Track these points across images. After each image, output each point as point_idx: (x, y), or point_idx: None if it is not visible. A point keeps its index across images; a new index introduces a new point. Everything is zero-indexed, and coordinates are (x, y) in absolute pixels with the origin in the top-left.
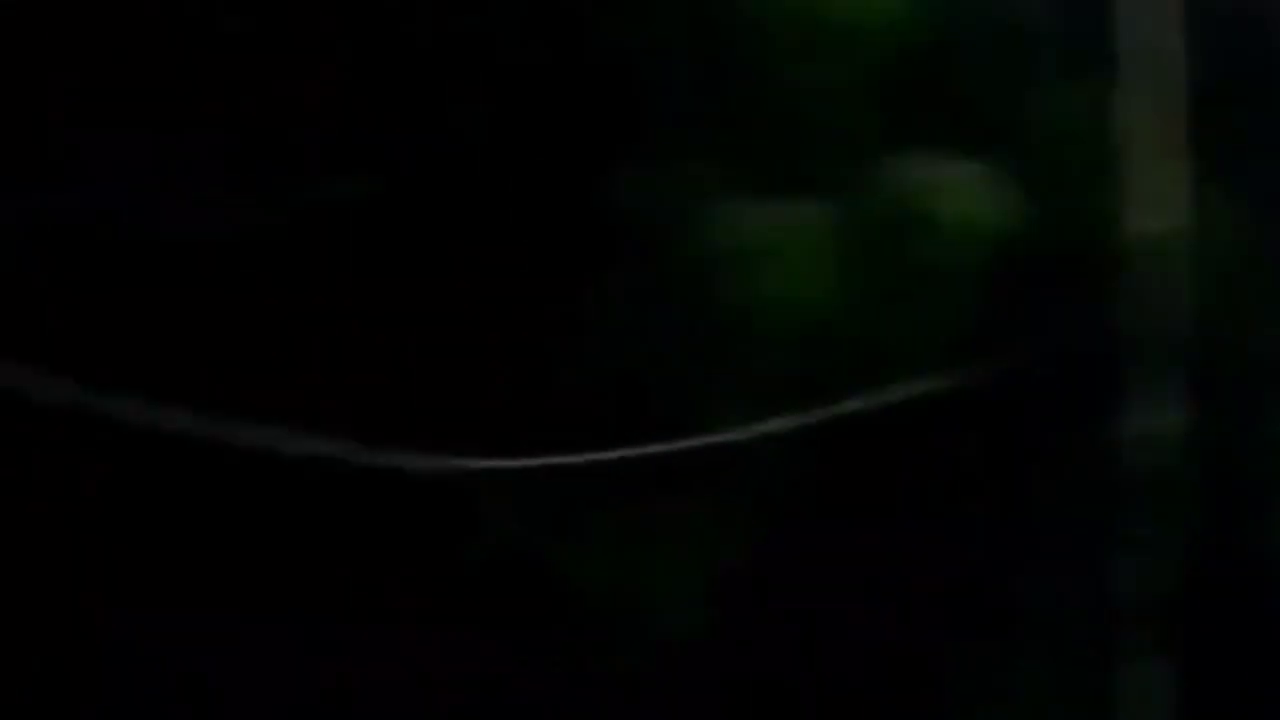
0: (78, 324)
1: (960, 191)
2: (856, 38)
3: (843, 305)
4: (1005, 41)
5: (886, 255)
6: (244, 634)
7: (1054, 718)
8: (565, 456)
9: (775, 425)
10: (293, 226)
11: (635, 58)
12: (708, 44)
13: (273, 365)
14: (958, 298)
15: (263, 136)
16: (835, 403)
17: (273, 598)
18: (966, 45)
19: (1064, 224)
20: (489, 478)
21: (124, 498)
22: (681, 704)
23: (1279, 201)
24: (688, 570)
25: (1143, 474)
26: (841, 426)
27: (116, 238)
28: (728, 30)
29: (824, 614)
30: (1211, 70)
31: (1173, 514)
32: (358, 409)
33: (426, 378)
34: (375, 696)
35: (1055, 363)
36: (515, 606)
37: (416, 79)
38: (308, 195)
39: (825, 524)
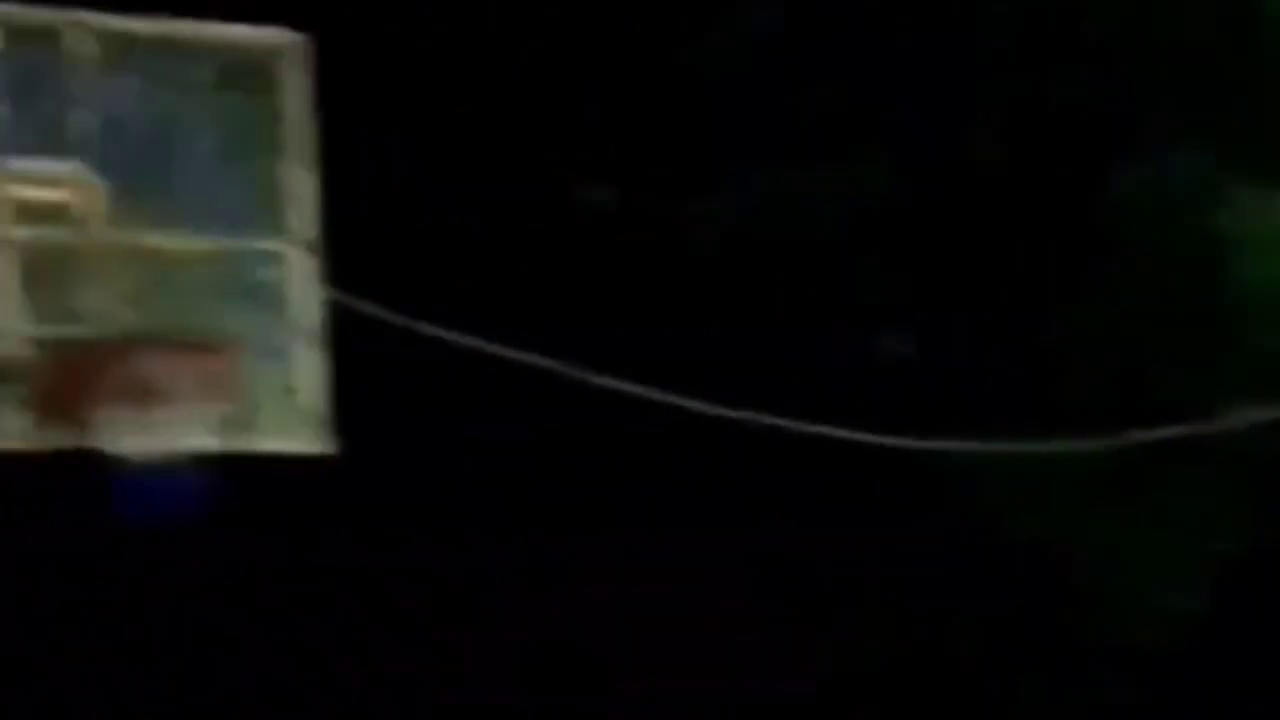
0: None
1: None
2: None
3: None
4: None
5: None
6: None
7: None
8: (1068, 441)
9: (1274, 412)
10: (812, 215)
11: (1134, 49)
12: (1206, 33)
13: (769, 350)
14: None
15: (778, 125)
16: None
17: (779, 569)
18: None
19: None
20: (993, 461)
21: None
22: (1180, 681)
23: None
24: (1187, 552)
25: None
26: None
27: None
28: (1225, 20)
29: None
30: None
31: None
32: (864, 391)
33: (933, 363)
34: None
35: None
36: (1014, 584)
37: (931, 76)
38: (829, 185)
39: None
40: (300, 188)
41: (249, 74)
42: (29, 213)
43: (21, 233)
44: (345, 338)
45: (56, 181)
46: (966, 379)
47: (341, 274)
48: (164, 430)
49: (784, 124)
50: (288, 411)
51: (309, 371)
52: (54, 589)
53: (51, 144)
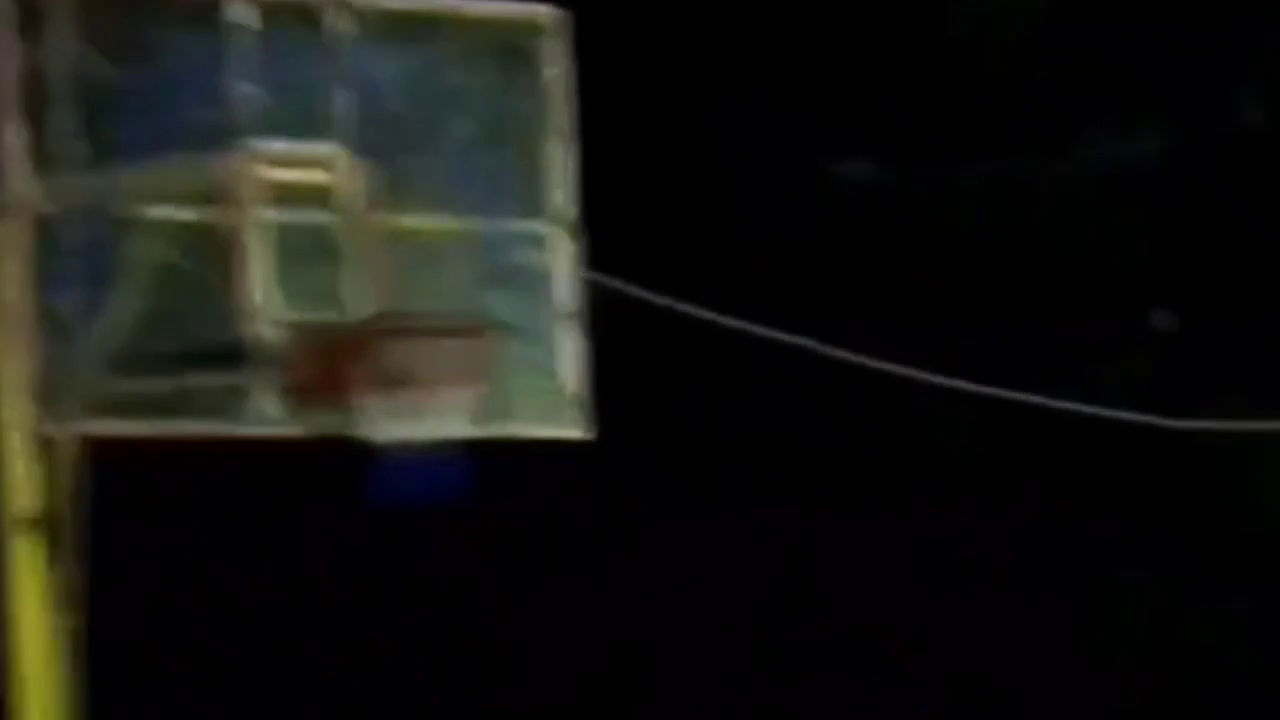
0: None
1: None
2: None
3: None
4: None
5: None
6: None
7: None
8: None
9: None
10: (1077, 187)
11: None
12: None
13: (1033, 326)
14: None
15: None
16: None
17: (1041, 551)
18: None
19: None
20: (1263, 440)
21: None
22: None
23: None
24: None
25: None
26: None
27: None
28: None
29: None
30: None
31: None
32: (1131, 368)
33: (1201, 338)
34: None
35: None
36: None
37: (1201, 46)
38: (1094, 157)
39: None
40: (560, 167)
41: (509, 51)
42: (287, 195)
43: (279, 215)
44: (604, 320)
45: (315, 163)
46: (1236, 355)
47: (600, 255)
48: (421, 416)
49: (1050, 95)
50: (546, 396)
51: (568, 355)
52: (309, 575)
53: (310, 125)
